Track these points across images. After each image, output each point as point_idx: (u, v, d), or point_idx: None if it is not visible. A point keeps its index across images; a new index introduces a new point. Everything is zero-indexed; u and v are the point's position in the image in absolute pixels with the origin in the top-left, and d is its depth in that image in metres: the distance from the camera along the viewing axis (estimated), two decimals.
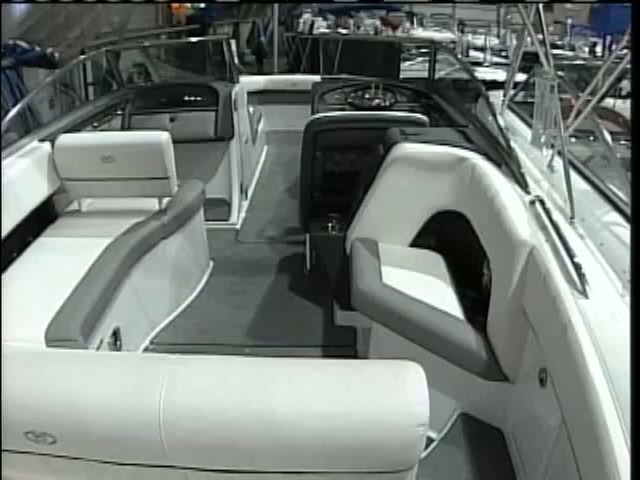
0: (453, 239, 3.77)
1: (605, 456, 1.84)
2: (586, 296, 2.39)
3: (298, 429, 1.63)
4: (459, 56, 10.71)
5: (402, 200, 3.72)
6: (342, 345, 4.02)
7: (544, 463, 2.48)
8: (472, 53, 12.81)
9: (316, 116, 4.62)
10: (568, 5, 21.38)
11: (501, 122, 3.65)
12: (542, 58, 3.42)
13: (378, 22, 15.80)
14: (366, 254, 3.64)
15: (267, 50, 16.49)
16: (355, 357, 3.82)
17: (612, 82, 6.45)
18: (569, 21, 17.90)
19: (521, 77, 4.83)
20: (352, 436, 1.64)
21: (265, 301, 4.61)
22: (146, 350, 3.95)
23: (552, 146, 3.47)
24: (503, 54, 12.55)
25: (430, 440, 3.03)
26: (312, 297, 4.57)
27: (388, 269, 3.48)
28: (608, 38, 17.01)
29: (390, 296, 3.24)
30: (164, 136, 4.09)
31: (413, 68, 8.57)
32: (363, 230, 3.82)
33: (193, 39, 9.55)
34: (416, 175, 3.64)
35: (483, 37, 13.84)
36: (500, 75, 7.85)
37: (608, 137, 3.53)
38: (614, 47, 17.66)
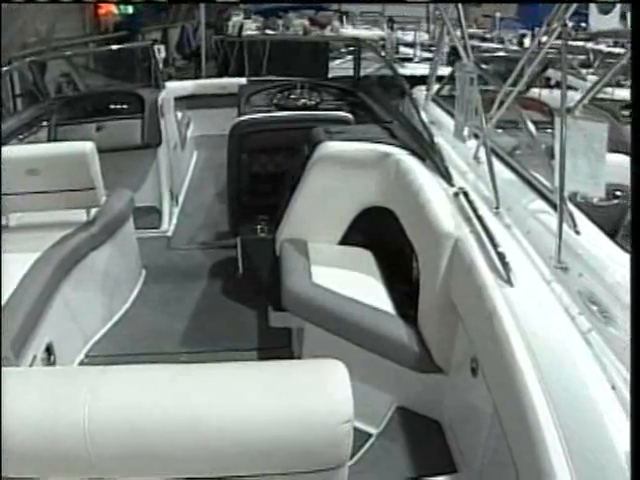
0: (382, 235, 3.78)
1: (536, 442, 1.86)
2: (511, 284, 2.42)
3: (224, 434, 1.63)
4: (390, 53, 10.82)
5: (329, 199, 3.73)
6: (277, 346, 4.01)
7: (481, 451, 2.51)
8: (402, 49, 12.92)
9: (240, 119, 4.60)
10: None
11: (424, 117, 3.68)
12: (461, 52, 3.44)
13: (307, 22, 15.83)
14: (295, 254, 3.64)
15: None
16: (291, 358, 3.80)
17: (533, 73, 6.55)
18: (497, 14, 18.17)
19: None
20: (279, 438, 1.64)
21: (199, 307, 4.59)
22: (82, 363, 3.88)
23: (477, 137, 3.50)
24: (433, 49, 12.67)
25: (368, 435, 3.06)
26: (246, 300, 4.56)
27: (318, 268, 3.48)
28: (537, 30, 17.27)
29: (320, 295, 3.25)
30: (88, 146, 4.02)
31: (343, 66, 8.59)
32: (292, 231, 3.83)
33: (115, 47, 9.42)
34: (342, 173, 3.65)
35: (413, 33, 13.97)
36: (420, 70, 7.93)
37: (532, 127, 3.58)
38: (543, 39, 18.14)
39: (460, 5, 3.57)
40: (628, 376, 1.91)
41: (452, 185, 3.23)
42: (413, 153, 3.57)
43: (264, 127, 4.55)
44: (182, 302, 4.65)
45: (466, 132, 3.55)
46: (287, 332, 4.04)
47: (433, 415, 3.07)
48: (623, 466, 1.68)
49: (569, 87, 6.78)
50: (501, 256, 2.52)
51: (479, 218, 2.83)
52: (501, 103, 3.31)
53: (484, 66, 5.92)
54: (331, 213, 3.78)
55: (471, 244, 2.71)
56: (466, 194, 3.07)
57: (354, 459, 2.87)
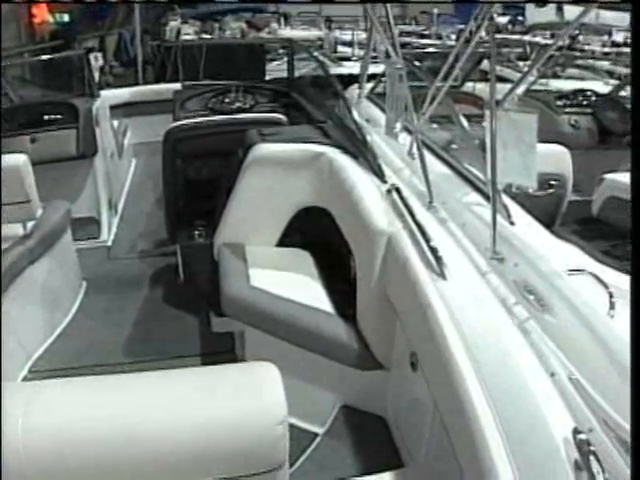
0: (319, 235, 3.79)
1: (475, 434, 1.88)
2: (444, 278, 2.44)
3: (160, 442, 1.63)
4: (328, 52, 10.83)
5: (264, 201, 3.73)
6: (221, 351, 4.00)
7: (425, 445, 2.53)
8: (340, 48, 12.94)
9: (173, 125, 4.58)
10: None
11: (356, 115, 3.68)
12: (390, 49, 3.44)
13: (244, 25, 15.80)
14: (233, 258, 3.63)
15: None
16: (234, 362, 3.76)
17: (466, 67, 6.60)
18: (435, 10, 18.33)
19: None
20: (215, 443, 1.66)
21: (142, 316, 4.55)
22: (25, 380, 3.81)
23: (410, 133, 3.50)
24: (393, 46, 12.73)
25: (314, 435, 3.09)
26: (188, 307, 4.54)
27: (256, 271, 3.47)
28: (473, 25, 17.42)
29: (258, 298, 3.24)
30: (22, 159, 3.94)
31: (282, 68, 8.59)
32: (229, 235, 3.81)
33: (49, 56, 9.27)
34: (276, 174, 3.65)
35: (351, 32, 14.00)
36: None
37: (464, 121, 3.61)
38: (482, 35, 18.35)
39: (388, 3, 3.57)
40: (567, 362, 1.94)
41: (385, 182, 3.25)
42: (346, 152, 3.58)
43: (198, 132, 4.52)
44: (124, 312, 4.61)
45: (398, 128, 3.55)
46: (230, 336, 4.02)
47: (377, 412, 3.09)
48: (562, 453, 1.70)
49: (507, 80, 6.88)
50: (434, 250, 2.54)
51: (411, 214, 2.84)
52: (433, 98, 3.32)
53: (417, 63, 5.96)
54: (267, 215, 3.77)
55: (404, 240, 2.73)
56: (398, 190, 3.09)
57: (300, 460, 2.92)
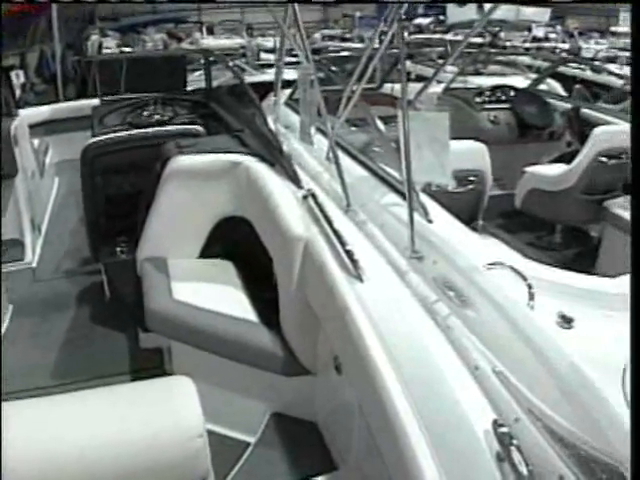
0: (241, 244, 3.78)
1: (398, 433, 1.90)
2: (361, 280, 2.46)
3: (79, 464, 1.60)
4: (250, 60, 10.80)
5: (184, 213, 3.71)
6: (150, 367, 3.94)
7: (355, 447, 2.56)
8: (264, 55, 12.91)
9: (91, 141, 4.50)
10: None
11: (270, 123, 3.68)
12: (300, 54, 3.44)
13: (165, 36, 15.70)
14: (155, 273, 3.59)
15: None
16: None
17: (384, 69, 6.64)
18: (357, 14, 18.47)
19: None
20: (134, 462, 1.63)
21: (70, 336, 4.46)
22: None
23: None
24: (294, 53, 12.74)
25: (246, 445, 3.07)
26: (116, 324, 4.47)
27: (178, 284, 3.44)
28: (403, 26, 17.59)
29: (181, 311, 3.22)
30: None
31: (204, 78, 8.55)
32: (151, 249, 3.78)
33: None
34: (194, 186, 3.64)
35: (273, 39, 14.01)
36: (290, 74, 7.95)
37: (379, 122, 3.63)
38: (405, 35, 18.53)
39: (297, 6, 3.56)
40: (490, 355, 1.97)
41: (301, 188, 3.26)
42: (263, 160, 3.59)
43: (115, 147, 4.46)
44: (51, 334, 4.50)
45: (313, 133, 3.56)
46: (159, 352, 3.96)
47: (308, 417, 3.10)
48: (483, 446, 1.73)
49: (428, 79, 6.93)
50: (349, 254, 2.56)
51: (327, 218, 2.86)
52: (348, 101, 3.33)
53: (334, 67, 6.00)
54: (188, 227, 3.76)
55: (321, 245, 2.74)
56: (314, 196, 3.09)
57: (234, 470, 2.90)
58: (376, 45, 3.33)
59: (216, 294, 3.41)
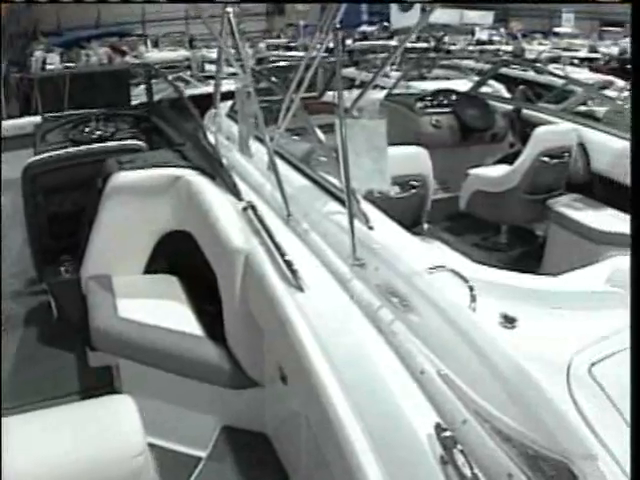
0: (185, 258, 3.76)
1: (343, 444, 1.91)
2: (302, 290, 2.47)
3: None
4: (195, 72, 10.75)
5: (127, 229, 3.69)
6: (100, 386, 3.87)
7: (303, 459, 2.58)
8: (209, 67, 12.86)
9: (31, 160, 4.46)
10: (299, 7, 22.08)
11: (210, 136, 3.68)
12: (236, 66, 3.44)
13: (109, 50, 15.57)
14: (100, 291, 3.56)
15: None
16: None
17: (326, 77, 6.65)
18: (301, 22, 18.49)
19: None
20: None
21: (18, 359, 4.37)
22: None
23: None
24: (240, 63, 12.70)
25: (198, 460, 3.07)
26: (64, 344, 4.42)
27: (123, 301, 3.42)
28: (340, 34, 17.67)
29: (127, 329, 3.21)
30: None
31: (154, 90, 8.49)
32: (95, 267, 3.75)
33: None
34: (136, 202, 3.63)
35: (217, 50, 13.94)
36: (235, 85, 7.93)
37: (318, 131, 3.63)
38: (348, 42, 18.56)
39: (232, 17, 3.56)
40: (435, 358, 1.98)
41: (241, 200, 3.25)
42: (204, 173, 3.59)
43: (57, 165, 4.41)
44: None
45: (252, 144, 3.56)
46: (108, 370, 3.92)
47: (258, 428, 3.11)
48: (427, 450, 1.74)
49: (375, 85, 6.96)
50: (289, 264, 2.57)
51: (266, 230, 2.85)
52: (288, 110, 3.33)
53: (277, 77, 5.99)
54: (131, 244, 3.74)
55: (261, 257, 2.75)
56: (254, 208, 3.09)
57: None
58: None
59: (161, 309, 3.40)
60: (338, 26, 2.75)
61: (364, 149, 2.53)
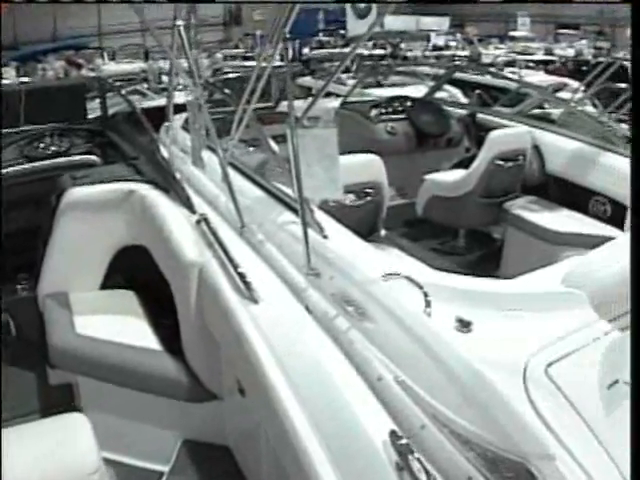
0: (141, 273, 3.72)
1: (299, 455, 1.93)
2: (256, 302, 2.47)
3: None
4: (152, 84, 10.70)
5: (82, 245, 3.66)
6: (60, 404, 3.83)
7: (264, 470, 2.58)
8: (165, 78, 12.81)
9: None
10: (256, 16, 22.12)
11: (163, 149, 3.68)
12: (187, 79, 3.44)
13: (65, 63, 15.45)
14: (57, 308, 3.53)
15: None
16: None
17: (279, 87, 6.64)
18: (258, 32, 18.50)
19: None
20: None
21: None
22: None
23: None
24: (191, 76, 12.67)
25: (160, 475, 3.07)
26: (24, 362, 4.33)
27: (81, 318, 3.40)
28: (297, 43, 17.75)
29: (84, 345, 3.19)
30: None
31: (110, 103, 8.42)
32: (51, 284, 3.72)
33: None
34: (90, 217, 3.62)
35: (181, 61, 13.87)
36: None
37: (271, 142, 3.64)
38: (305, 51, 18.60)
39: (182, 29, 3.55)
40: (392, 365, 1.99)
41: (194, 213, 3.25)
42: (157, 187, 3.58)
43: (10, 182, 4.36)
44: None
45: (205, 157, 3.56)
46: (69, 388, 3.88)
47: (219, 441, 3.10)
48: (383, 457, 1.76)
49: (330, 94, 6.97)
50: (242, 276, 2.57)
51: (219, 242, 2.86)
52: (240, 121, 3.33)
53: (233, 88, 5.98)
54: (87, 260, 3.71)
55: (215, 269, 2.75)
56: (207, 220, 3.09)
57: None
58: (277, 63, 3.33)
59: (119, 325, 3.38)
60: (287, 36, 2.75)
61: (315, 158, 2.53)
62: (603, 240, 2.61)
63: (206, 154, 3.67)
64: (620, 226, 4.21)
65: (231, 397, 2.88)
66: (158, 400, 3.04)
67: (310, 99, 2.92)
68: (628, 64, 10.64)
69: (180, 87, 4.68)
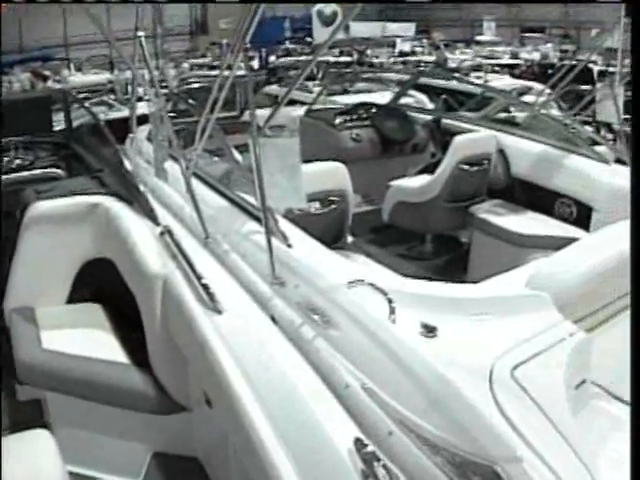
0: (107, 286, 3.71)
1: (265, 466, 1.93)
2: (220, 312, 2.47)
3: None
4: (119, 95, 10.64)
5: (47, 260, 3.64)
6: (29, 420, 3.80)
7: (235, 478, 2.57)
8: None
9: None
10: (222, 25, 22.07)
11: (126, 162, 3.67)
12: (149, 90, 3.43)
13: (30, 75, 15.29)
14: (23, 323, 3.50)
15: None
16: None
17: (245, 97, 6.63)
18: (224, 41, 18.47)
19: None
20: None
21: None
22: None
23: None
24: (164, 84, 12.63)
25: None
26: None
27: (47, 333, 3.37)
28: (264, 51, 17.74)
29: (51, 360, 3.16)
30: None
31: (73, 116, 8.36)
32: (17, 299, 3.68)
33: None
34: (55, 231, 3.60)
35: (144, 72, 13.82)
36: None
37: (235, 152, 3.64)
38: (272, 59, 18.59)
39: (143, 40, 3.54)
40: (358, 372, 2.00)
41: (158, 224, 3.25)
42: (121, 199, 3.58)
43: None
44: None
45: (168, 168, 3.55)
46: (39, 403, 3.85)
47: (189, 453, 3.09)
48: (348, 465, 1.77)
49: (297, 101, 6.98)
50: (205, 287, 2.58)
51: (183, 254, 2.86)
52: (203, 131, 3.33)
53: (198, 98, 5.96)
54: (53, 274, 3.69)
55: (179, 281, 2.75)
56: (170, 232, 3.09)
57: None
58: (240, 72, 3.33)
59: (86, 339, 3.37)
60: (250, 45, 2.75)
61: (278, 168, 2.54)
62: (569, 241, 2.64)
63: (170, 165, 3.66)
64: (586, 227, 4.25)
65: (199, 408, 2.87)
66: (127, 413, 3.03)
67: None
68: (592, 66, 10.77)
69: (146, 97, 4.66)
